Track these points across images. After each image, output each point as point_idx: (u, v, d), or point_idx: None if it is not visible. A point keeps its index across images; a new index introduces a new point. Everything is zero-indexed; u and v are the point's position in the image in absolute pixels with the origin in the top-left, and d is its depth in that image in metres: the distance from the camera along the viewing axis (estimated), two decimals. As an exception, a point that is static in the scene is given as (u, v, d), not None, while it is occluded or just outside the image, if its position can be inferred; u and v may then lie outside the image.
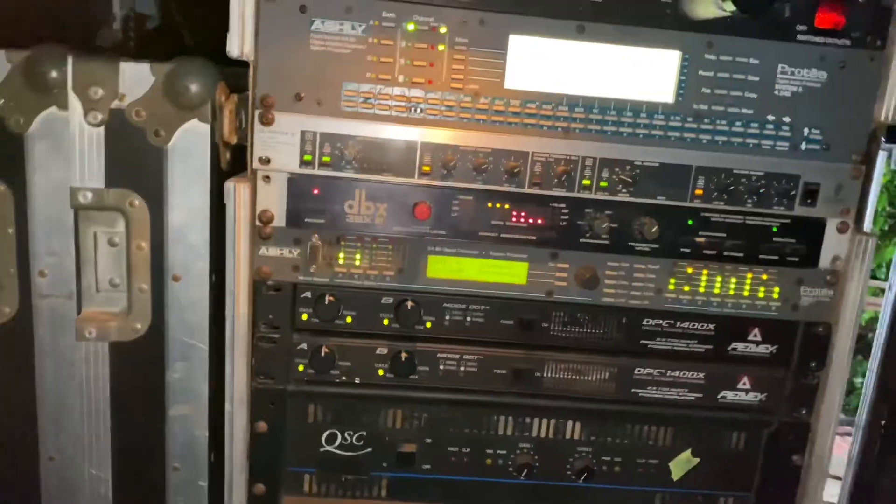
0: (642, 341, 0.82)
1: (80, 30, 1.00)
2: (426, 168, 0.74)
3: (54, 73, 0.72)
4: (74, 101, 0.72)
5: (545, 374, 0.81)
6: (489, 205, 0.76)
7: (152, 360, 0.79)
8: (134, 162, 0.74)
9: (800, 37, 0.74)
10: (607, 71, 0.74)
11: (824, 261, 0.80)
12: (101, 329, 0.77)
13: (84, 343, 0.78)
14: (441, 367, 0.80)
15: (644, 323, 0.81)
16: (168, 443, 0.81)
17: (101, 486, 0.81)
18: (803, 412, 0.84)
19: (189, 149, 0.74)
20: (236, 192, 0.73)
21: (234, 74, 0.75)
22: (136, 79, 0.72)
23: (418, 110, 0.73)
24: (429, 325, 0.80)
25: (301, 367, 0.79)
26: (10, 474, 0.81)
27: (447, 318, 0.79)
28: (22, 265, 0.76)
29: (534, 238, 0.77)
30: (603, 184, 0.76)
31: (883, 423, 1.08)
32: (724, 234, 0.78)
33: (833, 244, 0.80)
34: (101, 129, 0.73)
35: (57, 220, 0.75)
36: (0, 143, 0.73)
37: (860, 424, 1.10)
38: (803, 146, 0.77)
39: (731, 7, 0.63)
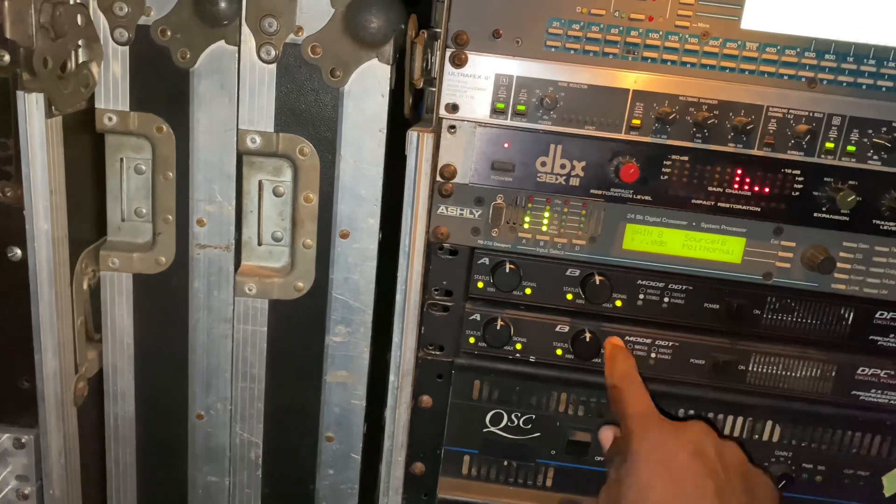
0: (872, 337, 0.69)
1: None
2: (636, 121, 0.64)
3: (225, 4, 0.65)
4: (247, 34, 0.65)
5: (750, 368, 0.70)
6: (708, 167, 0.64)
7: (313, 322, 0.73)
8: (307, 105, 0.67)
9: None
10: (866, 10, 0.61)
11: None
12: (262, 286, 0.72)
13: (242, 299, 0.72)
14: (630, 351, 0.70)
15: (877, 316, 0.68)
16: (323, 410, 0.75)
17: (252, 450, 0.77)
18: None
19: (366, 91, 0.66)
20: (420, 142, 0.64)
21: (418, 13, 0.66)
22: (315, 10, 0.64)
23: (634, 52, 0.62)
24: (619, 303, 0.70)
25: (472, 340, 0.71)
26: (158, 429, 0.77)
27: (641, 296, 0.69)
28: (181, 212, 0.71)
29: (757, 209, 0.65)
30: (851, 148, 0.63)
31: None
32: None
33: None
34: (274, 67, 0.66)
35: (220, 166, 0.69)
36: (164, 78, 0.67)
37: None
38: None
39: None
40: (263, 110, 0.67)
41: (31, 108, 0.60)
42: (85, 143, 0.69)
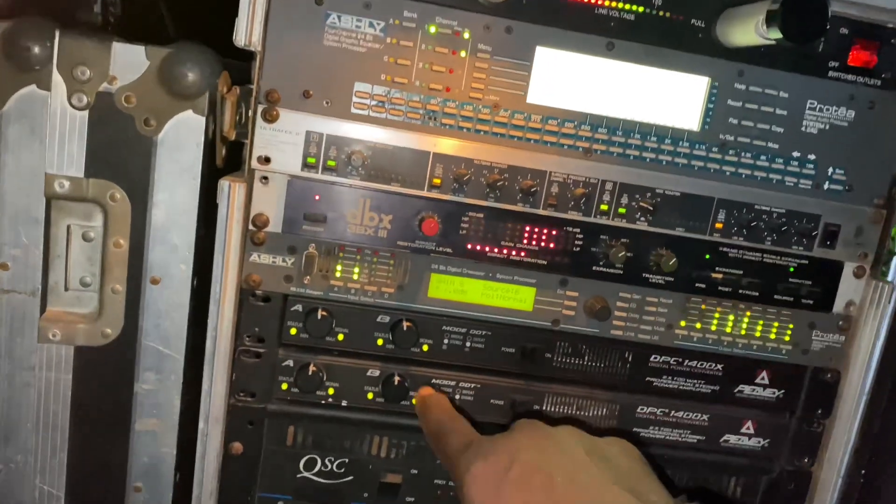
0: (648, 378, 0.78)
1: (62, 3, 0.93)
2: (437, 181, 0.69)
3: (37, 49, 0.65)
4: (58, 81, 0.65)
5: (544, 408, 0.77)
6: (500, 224, 0.71)
7: (121, 369, 0.72)
8: (119, 152, 0.67)
9: (831, 73, 0.72)
10: (634, 92, 0.71)
11: (838, 305, 0.77)
12: (67, 331, 0.70)
13: (46, 346, 0.70)
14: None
15: (651, 359, 0.77)
16: (131, 460, 0.74)
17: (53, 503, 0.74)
18: (805, 460, 0.81)
19: (180, 141, 0.68)
20: (231, 191, 0.67)
21: (234, 68, 0.70)
22: (129, 61, 0.66)
23: (433, 119, 0.69)
24: (426, 347, 0.74)
25: (285, 386, 0.73)
26: (-49, 484, 0.72)
27: (446, 341, 0.74)
28: (-17, 256, 0.69)
29: (544, 262, 0.73)
30: (621, 210, 0.72)
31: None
32: (741, 272, 0.75)
33: (849, 289, 0.77)
34: (86, 114, 0.66)
35: (27, 210, 0.68)
36: (-30, 120, 0.66)
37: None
38: (826, 185, 0.74)
39: (776, 35, 0.59)
40: (73, 156, 0.67)
41: None
42: None
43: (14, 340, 0.70)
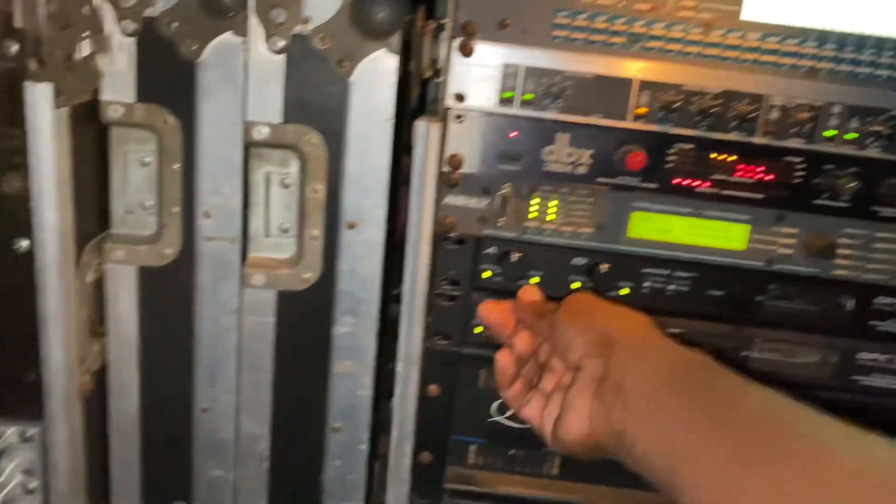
0: (871, 322, 0.70)
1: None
2: (642, 110, 0.64)
3: (232, -6, 0.65)
4: (254, 26, 0.65)
5: (752, 354, 0.71)
6: (712, 155, 0.65)
7: (319, 313, 0.73)
8: (314, 95, 0.67)
9: None
10: (864, 2, 0.62)
11: None
12: (269, 277, 0.72)
13: (249, 290, 0.72)
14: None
15: (877, 301, 0.70)
16: (330, 401, 0.76)
17: (258, 443, 0.77)
18: None
19: (374, 82, 0.66)
20: (427, 132, 0.65)
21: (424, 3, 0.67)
22: (322, 1, 0.65)
23: (638, 42, 0.63)
24: (624, 291, 0.70)
25: (478, 329, 0.72)
26: (162, 423, 0.77)
27: (646, 284, 0.70)
28: (186, 204, 0.71)
29: (760, 196, 0.66)
30: (851, 135, 0.64)
31: None
32: None
33: None
34: (282, 58, 0.66)
35: (226, 158, 0.69)
36: (171, 70, 0.67)
37: None
38: None
39: None
40: (271, 102, 0.67)
41: (40, 99, 0.60)
42: (89, 135, 0.69)
43: (217, 286, 0.73)
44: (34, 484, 0.72)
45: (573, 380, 0.55)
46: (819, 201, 0.66)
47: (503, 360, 0.62)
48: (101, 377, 0.75)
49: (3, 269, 0.66)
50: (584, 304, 0.59)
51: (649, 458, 0.47)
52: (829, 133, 0.64)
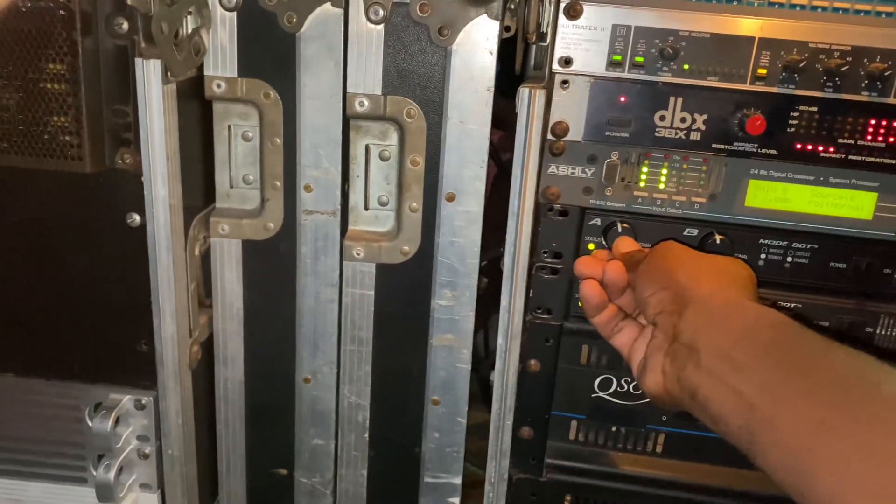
0: None
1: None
2: (762, 71, 0.60)
3: (330, -36, 0.64)
4: (355, -5, 0.64)
5: (878, 331, 0.67)
6: (838, 118, 0.61)
7: (418, 286, 0.72)
8: (414, 65, 0.66)
9: None
10: None
11: None
12: (369, 250, 0.72)
13: (349, 263, 0.72)
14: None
15: None
16: (429, 374, 0.75)
17: (359, 413, 0.78)
18: None
19: (474, 49, 0.64)
20: (531, 98, 0.62)
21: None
22: (423, -34, 0.63)
23: (760, -2, 0.59)
24: (739, 263, 0.67)
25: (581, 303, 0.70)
26: (266, 392, 0.79)
27: (763, 256, 0.67)
28: (288, 178, 0.71)
29: (892, 162, 0.61)
30: None
31: None
32: None
33: None
34: (382, 28, 0.65)
35: (326, 131, 0.69)
36: (271, 44, 0.67)
37: None
38: None
39: None
40: (371, 73, 0.66)
41: (150, 75, 0.61)
42: (193, 111, 0.70)
43: (318, 259, 0.73)
44: (148, 449, 0.75)
45: (652, 334, 0.54)
46: (960, 166, 0.61)
47: (587, 286, 0.60)
48: (208, 347, 0.77)
49: (117, 243, 0.68)
50: (668, 256, 0.56)
51: (724, 419, 0.46)
52: (974, 90, 0.59)
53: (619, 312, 0.61)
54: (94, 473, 0.73)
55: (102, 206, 0.67)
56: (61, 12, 0.58)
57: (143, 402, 0.73)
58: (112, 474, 0.71)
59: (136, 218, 0.67)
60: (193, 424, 0.76)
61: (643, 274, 0.56)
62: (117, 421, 0.72)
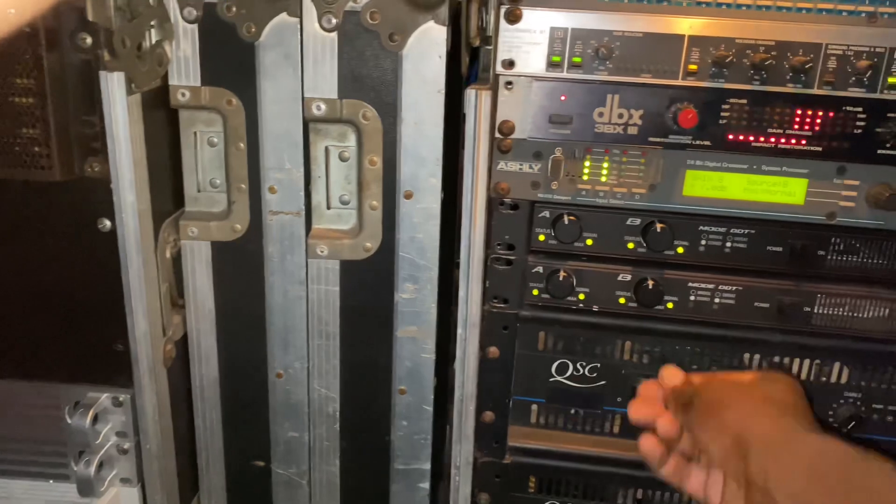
0: (941, 274, 0.68)
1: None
2: (693, 67, 0.64)
3: (285, -24, 0.67)
4: (308, 5, 0.67)
5: (815, 310, 0.71)
6: (767, 109, 0.64)
7: (382, 280, 0.76)
8: (367, 70, 0.69)
9: None
10: (929, -61, 0.59)
11: None
12: (333, 247, 0.75)
13: (314, 261, 0.76)
14: (692, 297, 0.71)
15: (947, 252, 0.68)
16: (395, 365, 0.79)
17: (329, 405, 0.81)
18: None
19: (424, 54, 0.68)
20: (478, 100, 0.66)
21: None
22: (371, -24, 0.66)
23: (688, -3, 0.63)
24: (680, 250, 0.71)
25: (536, 292, 0.74)
26: (240, 388, 0.82)
27: (703, 242, 0.70)
28: (253, 181, 0.74)
29: (819, 149, 0.65)
30: (915, 82, 0.62)
31: None
32: None
33: None
34: (335, 35, 0.68)
35: (287, 134, 0.72)
36: (232, 53, 0.70)
37: None
38: None
39: None
40: (326, 78, 0.70)
41: (114, 87, 0.64)
42: (160, 119, 0.73)
43: (285, 257, 0.76)
44: (127, 445, 0.78)
45: (725, 481, 0.55)
46: (882, 151, 0.64)
47: (646, 444, 0.61)
48: (182, 346, 0.81)
49: (90, 248, 0.71)
50: (715, 398, 0.57)
51: None
52: (891, 80, 0.62)
53: (682, 459, 0.61)
54: (75, 469, 0.76)
55: (74, 213, 0.70)
56: (27, 30, 0.61)
57: (121, 399, 0.76)
58: (92, 469, 0.74)
59: (107, 223, 0.70)
60: (171, 420, 0.80)
61: (697, 421, 0.57)
62: (96, 418, 0.75)
